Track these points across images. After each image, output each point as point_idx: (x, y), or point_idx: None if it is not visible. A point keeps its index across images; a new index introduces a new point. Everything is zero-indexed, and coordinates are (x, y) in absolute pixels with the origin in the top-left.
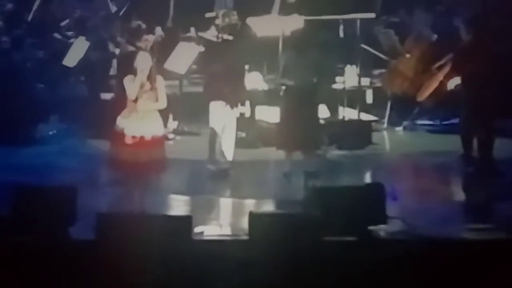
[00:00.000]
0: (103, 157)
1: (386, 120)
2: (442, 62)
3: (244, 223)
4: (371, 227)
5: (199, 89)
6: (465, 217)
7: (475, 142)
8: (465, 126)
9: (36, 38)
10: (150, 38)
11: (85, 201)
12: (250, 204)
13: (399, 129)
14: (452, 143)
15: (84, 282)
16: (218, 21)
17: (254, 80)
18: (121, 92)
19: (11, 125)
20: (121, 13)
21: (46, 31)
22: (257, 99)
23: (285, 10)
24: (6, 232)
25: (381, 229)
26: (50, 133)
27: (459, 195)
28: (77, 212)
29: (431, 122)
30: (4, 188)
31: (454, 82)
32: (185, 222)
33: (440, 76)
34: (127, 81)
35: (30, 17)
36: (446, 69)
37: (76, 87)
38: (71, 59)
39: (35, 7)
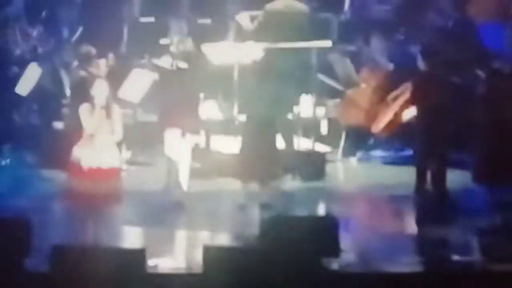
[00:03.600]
0: (58, 187)
1: (340, 151)
2: (397, 92)
3: (198, 256)
4: (323, 260)
5: (153, 118)
6: (417, 249)
7: (428, 174)
8: (419, 158)
9: None
10: (102, 63)
11: (39, 233)
12: (204, 236)
13: (353, 160)
14: (407, 174)
15: None
16: (172, 48)
17: (209, 109)
18: (76, 121)
19: None
20: (73, 39)
21: None
22: (212, 128)
23: (241, 37)
24: None
25: (334, 262)
26: (3, 163)
27: (412, 227)
28: (31, 244)
29: (385, 154)
30: None
31: (409, 113)
32: (139, 255)
33: (396, 107)
34: (83, 110)
35: None
36: (402, 99)
37: (28, 116)
38: (24, 86)
39: None
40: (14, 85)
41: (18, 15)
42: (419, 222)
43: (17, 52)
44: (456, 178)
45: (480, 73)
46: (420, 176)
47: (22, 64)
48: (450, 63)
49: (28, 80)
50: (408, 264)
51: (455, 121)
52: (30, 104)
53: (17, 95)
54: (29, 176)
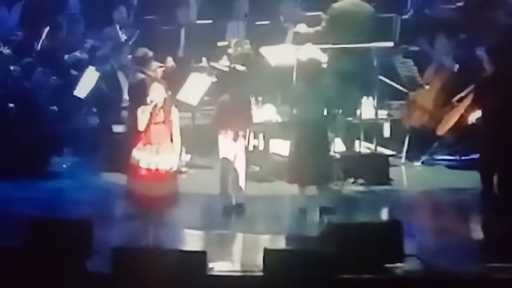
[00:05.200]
0: (118, 190)
1: (404, 154)
2: (463, 94)
3: (259, 259)
4: (387, 265)
5: (212, 121)
6: (483, 256)
7: (495, 178)
8: (484, 162)
9: (47, 67)
10: (161, 66)
11: (100, 235)
12: (264, 239)
13: (417, 164)
14: (472, 179)
15: None
16: (230, 51)
17: (268, 112)
18: (134, 124)
19: (24, 158)
20: (130, 42)
21: (56, 60)
22: (271, 131)
23: (299, 39)
24: (21, 265)
25: (398, 267)
26: (64, 166)
27: (478, 233)
28: (92, 246)
29: (451, 157)
30: (19, 221)
31: (476, 116)
32: (200, 258)
33: (461, 109)
34: (141, 112)
35: (39, 46)
36: (468, 101)
37: (88, 119)
38: (82, 89)
39: (43, 35)
40: (73, 88)
41: (76, 18)
42: (483, 228)
43: (76, 55)
44: None
45: None
46: (486, 180)
47: (81, 68)
48: None
49: (86, 83)
50: (471, 269)
51: None
52: (89, 107)
53: (77, 98)
54: (89, 179)
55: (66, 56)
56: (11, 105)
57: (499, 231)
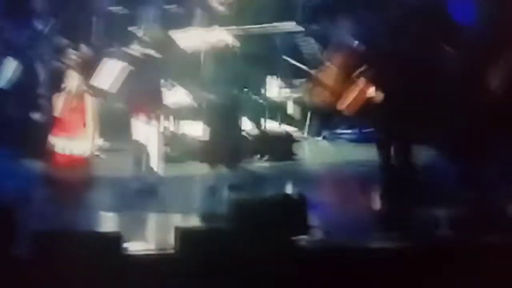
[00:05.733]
0: (37, 176)
1: (306, 130)
2: (361, 70)
3: (171, 237)
4: (292, 238)
5: (124, 105)
6: (381, 225)
7: (391, 150)
8: (380, 134)
9: None
10: (75, 54)
11: (20, 220)
12: (176, 218)
13: (319, 139)
14: (371, 152)
15: None
16: (140, 36)
17: (178, 94)
18: (51, 111)
19: None
20: (46, 31)
21: None
22: (181, 113)
23: (207, 22)
24: None
25: (303, 239)
26: None
27: (378, 203)
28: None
29: (351, 131)
30: None
31: (373, 90)
32: (115, 238)
33: (360, 85)
34: (57, 100)
35: None
36: (366, 77)
37: (6, 109)
38: (1, 79)
39: None
40: None
41: None
42: (384, 198)
43: None
44: (424, 154)
45: (449, 48)
46: (383, 152)
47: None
48: (416, 38)
49: (5, 74)
50: (374, 239)
51: (421, 97)
52: (7, 96)
53: None
54: (11, 167)
55: None
56: None
57: (397, 202)
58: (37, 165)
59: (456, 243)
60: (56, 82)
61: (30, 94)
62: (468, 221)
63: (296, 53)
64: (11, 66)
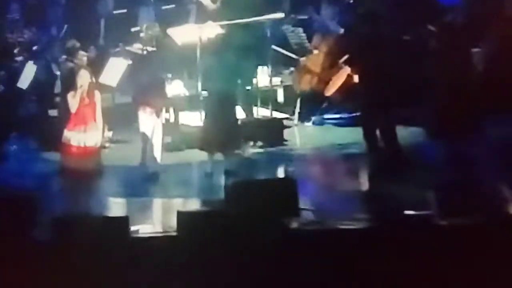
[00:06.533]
0: (54, 167)
1: (296, 116)
2: (347, 56)
3: (173, 220)
4: (284, 219)
5: (130, 99)
6: (372, 206)
7: (376, 133)
8: (365, 116)
9: None
10: (85, 55)
11: (41, 206)
12: (178, 203)
13: (308, 124)
14: (358, 135)
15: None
16: (142, 35)
17: (176, 87)
18: (66, 107)
19: None
20: (60, 36)
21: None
22: (180, 104)
23: (201, 18)
24: None
25: (294, 220)
26: (11, 149)
27: (366, 184)
28: (35, 216)
29: (338, 116)
30: None
31: (358, 76)
32: (123, 222)
33: (346, 70)
34: (71, 97)
35: None
36: (351, 63)
37: (29, 107)
38: (24, 81)
39: None
40: (16, 80)
41: (16, 20)
42: (372, 178)
43: (17, 51)
44: (409, 135)
45: (431, 28)
46: (369, 135)
47: (22, 62)
48: (399, 20)
49: (26, 76)
50: (363, 220)
51: (405, 78)
52: (29, 96)
53: (19, 89)
54: (32, 158)
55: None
56: None
57: (383, 183)
58: (55, 157)
59: (440, 223)
60: (69, 81)
61: (47, 93)
62: (453, 201)
63: (285, 43)
64: (31, 70)
